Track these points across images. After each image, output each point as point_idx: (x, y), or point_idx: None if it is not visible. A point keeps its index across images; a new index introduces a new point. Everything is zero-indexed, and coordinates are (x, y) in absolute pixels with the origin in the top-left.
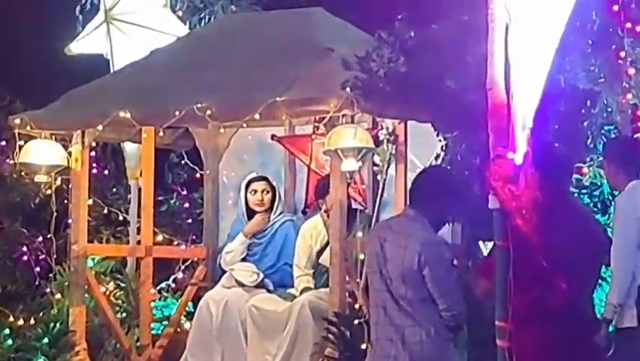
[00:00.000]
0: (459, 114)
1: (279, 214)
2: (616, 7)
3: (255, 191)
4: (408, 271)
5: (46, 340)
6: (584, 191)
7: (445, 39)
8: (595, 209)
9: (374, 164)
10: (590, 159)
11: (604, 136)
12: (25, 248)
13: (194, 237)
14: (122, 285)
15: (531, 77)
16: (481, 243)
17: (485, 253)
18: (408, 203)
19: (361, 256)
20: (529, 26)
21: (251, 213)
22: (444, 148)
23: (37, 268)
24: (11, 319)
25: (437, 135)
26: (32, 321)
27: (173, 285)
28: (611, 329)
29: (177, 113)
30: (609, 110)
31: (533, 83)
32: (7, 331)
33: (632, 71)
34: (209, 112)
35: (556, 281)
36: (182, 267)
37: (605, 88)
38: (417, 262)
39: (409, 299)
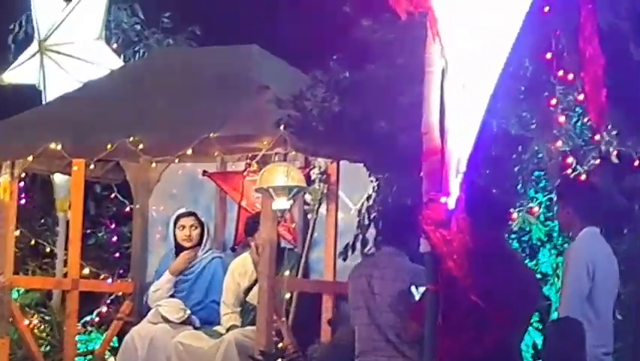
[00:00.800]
0: (391, 156)
1: (208, 251)
2: (549, 55)
3: (184, 226)
4: (399, 301)
5: None
6: (512, 236)
7: (379, 81)
8: (524, 254)
9: (305, 203)
10: (519, 205)
11: (534, 182)
12: None
13: (122, 271)
14: (47, 318)
15: (466, 122)
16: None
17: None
18: (382, 242)
19: (287, 295)
20: (465, 72)
21: (180, 249)
22: (375, 189)
23: None
24: None
25: (369, 176)
26: None
27: (97, 319)
28: None
29: (109, 146)
30: (540, 156)
31: (468, 128)
32: None
33: (562, 118)
34: (140, 146)
35: (489, 326)
36: (108, 301)
37: (536, 134)
38: (409, 290)
39: (396, 329)
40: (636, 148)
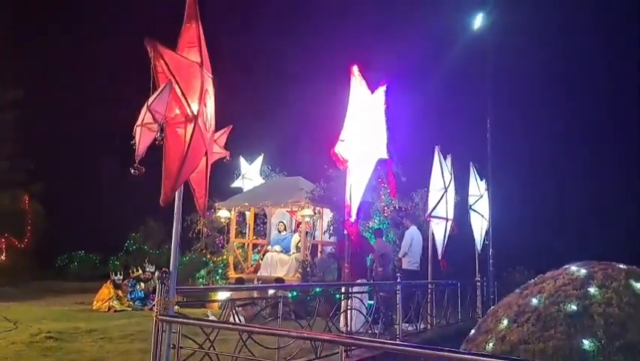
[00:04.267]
0: (338, 207)
1: (289, 232)
2: (380, 180)
3: (279, 225)
4: None
5: None
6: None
7: (336, 186)
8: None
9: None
10: (371, 222)
11: (375, 215)
12: None
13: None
14: None
15: (356, 197)
16: None
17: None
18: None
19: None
20: (355, 181)
21: (279, 232)
22: (333, 216)
23: None
24: None
25: (331, 212)
26: None
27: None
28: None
29: (261, 204)
30: (376, 208)
31: (356, 200)
32: None
33: (383, 197)
34: (268, 203)
35: (360, 257)
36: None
37: (376, 201)
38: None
39: None
40: (406, 205)
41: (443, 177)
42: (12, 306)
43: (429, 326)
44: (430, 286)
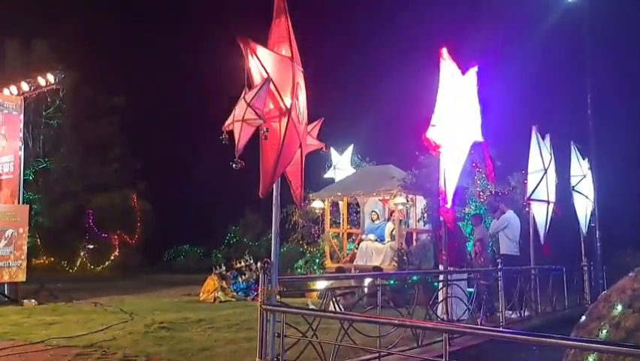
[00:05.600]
0: (432, 194)
1: (382, 220)
2: (473, 164)
3: (372, 214)
4: None
5: None
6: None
7: (425, 173)
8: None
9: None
10: (467, 207)
11: (470, 200)
12: None
13: (357, 227)
14: None
15: (451, 183)
16: None
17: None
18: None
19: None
20: (450, 167)
21: (372, 222)
22: (427, 202)
23: None
24: None
25: (425, 198)
26: None
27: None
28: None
29: (353, 193)
30: (472, 192)
31: (451, 186)
32: None
33: (478, 181)
34: (360, 192)
35: (455, 241)
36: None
37: (471, 186)
38: None
39: None
40: (503, 189)
41: (542, 157)
42: (126, 298)
43: (533, 314)
44: (532, 271)
